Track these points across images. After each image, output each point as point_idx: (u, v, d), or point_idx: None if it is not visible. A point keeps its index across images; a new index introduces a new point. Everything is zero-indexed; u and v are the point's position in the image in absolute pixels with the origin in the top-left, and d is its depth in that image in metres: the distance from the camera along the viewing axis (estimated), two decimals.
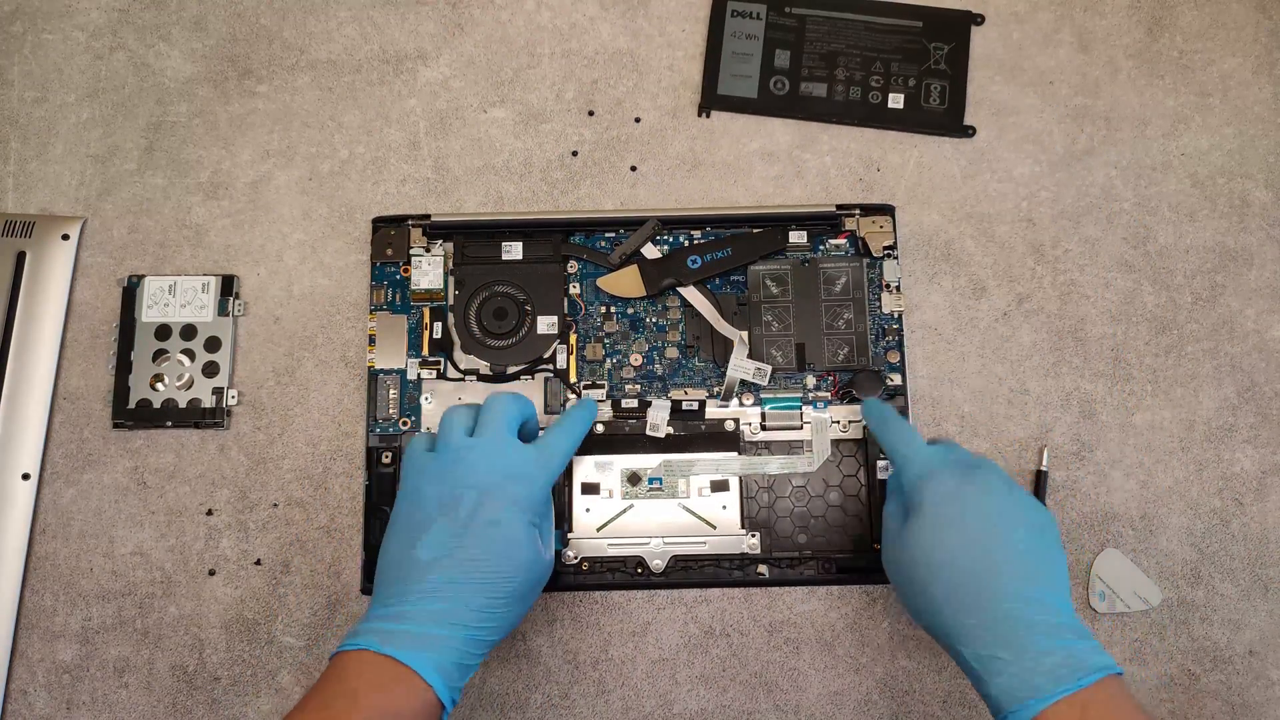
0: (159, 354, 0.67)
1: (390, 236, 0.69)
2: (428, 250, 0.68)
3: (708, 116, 0.72)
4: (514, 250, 0.68)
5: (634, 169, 0.71)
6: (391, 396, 0.67)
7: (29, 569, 0.65)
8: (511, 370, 0.67)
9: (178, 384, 0.67)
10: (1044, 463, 0.66)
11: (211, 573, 0.66)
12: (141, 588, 0.65)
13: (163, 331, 0.68)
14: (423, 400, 0.67)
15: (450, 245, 0.68)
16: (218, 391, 0.67)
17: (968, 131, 0.71)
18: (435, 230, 0.68)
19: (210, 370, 0.67)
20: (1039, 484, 0.66)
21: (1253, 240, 0.70)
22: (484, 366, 0.67)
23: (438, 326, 0.67)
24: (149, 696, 0.64)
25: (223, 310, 0.68)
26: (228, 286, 0.69)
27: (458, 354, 0.67)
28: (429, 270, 0.67)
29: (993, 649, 0.50)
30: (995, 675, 0.50)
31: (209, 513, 0.66)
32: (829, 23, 0.73)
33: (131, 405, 0.66)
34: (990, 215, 0.70)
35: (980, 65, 0.73)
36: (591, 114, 0.72)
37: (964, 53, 0.72)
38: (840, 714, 0.64)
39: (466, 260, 0.68)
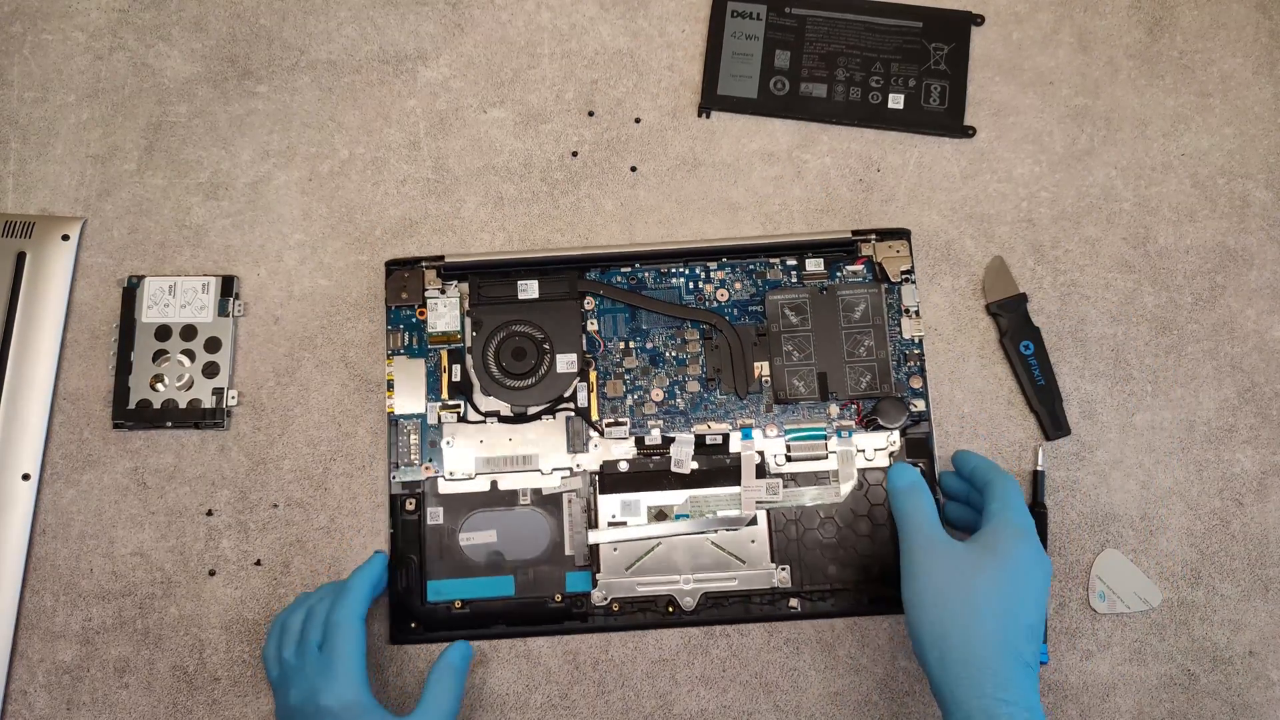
0: (159, 354, 0.67)
1: (404, 279, 0.68)
2: (443, 292, 0.67)
3: (708, 117, 0.72)
4: (530, 289, 0.67)
5: (634, 169, 0.71)
6: (413, 442, 0.66)
7: (29, 569, 0.65)
8: (533, 410, 0.66)
9: (178, 384, 0.67)
10: (1039, 462, 0.66)
11: (212, 573, 0.66)
12: (142, 588, 0.65)
13: (163, 332, 0.68)
14: (444, 444, 0.66)
15: (465, 285, 0.68)
16: (218, 392, 0.67)
17: (968, 132, 0.71)
18: (449, 271, 0.68)
19: (210, 371, 0.67)
20: (1036, 484, 0.66)
21: (1253, 240, 0.70)
22: (505, 407, 0.66)
23: (456, 369, 0.67)
24: (149, 697, 0.64)
25: (223, 311, 0.68)
26: (228, 287, 0.69)
27: (478, 396, 0.66)
28: (445, 312, 0.66)
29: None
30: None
31: (209, 513, 0.66)
32: (829, 23, 0.73)
33: (131, 406, 0.66)
34: (990, 215, 0.70)
35: (980, 65, 0.73)
36: (591, 114, 0.72)
37: (964, 53, 0.72)
38: (840, 714, 0.64)
39: (482, 300, 0.67)
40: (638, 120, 0.72)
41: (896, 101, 0.72)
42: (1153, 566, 0.65)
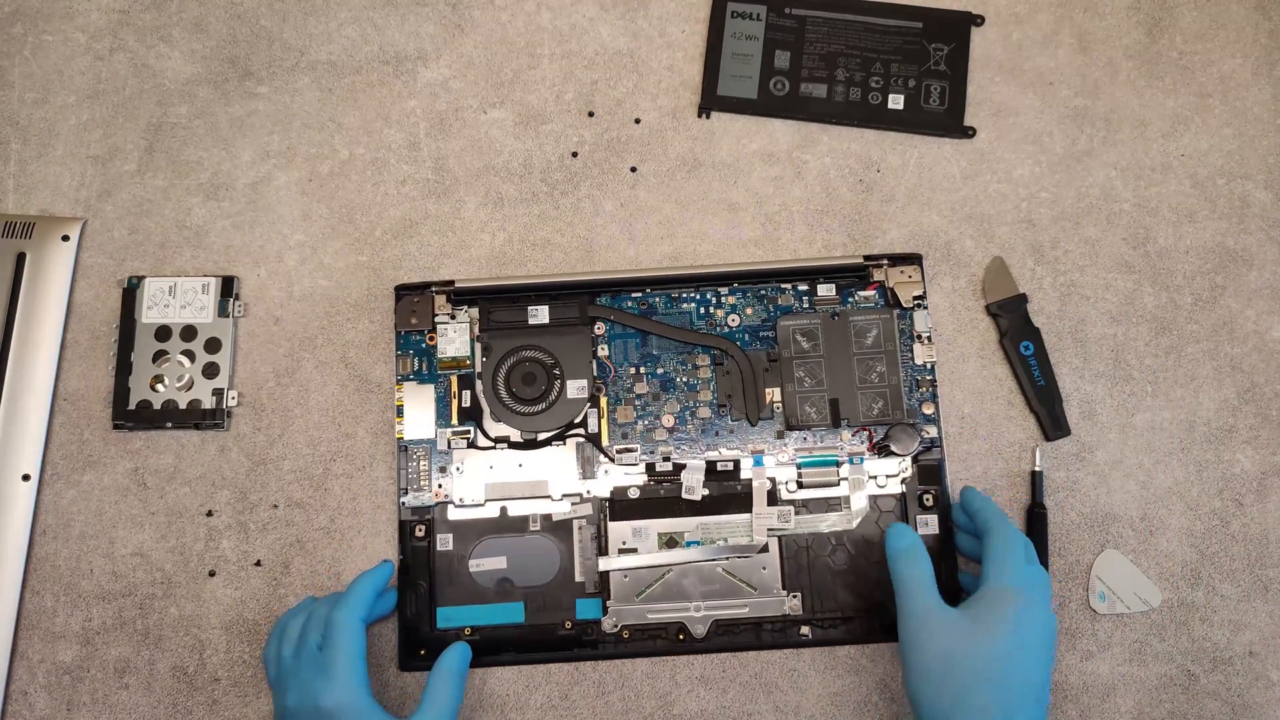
0: (159, 355, 0.67)
1: (414, 304, 0.67)
2: (452, 317, 0.67)
3: (708, 117, 0.72)
4: (540, 314, 0.67)
5: (634, 170, 0.71)
6: (423, 468, 0.66)
7: (29, 570, 0.65)
8: (543, 436, 0.66)
9: (178, 385, 0.67)
10: (1037, 463, 0.66)
11: (212, 574, 0.66)
12: (142, 589, 0.65)
13: (163, 332, 0.68)
14: (454, 470, 0.66)
15: (475, 310, 0.67)
16: (218, 392, 0.67)
17: (968, 132, 0.71)
18: (459, 296, 0.67)
19: (210, 371, 0.67)
20: (1035, 484, 0.66)
21: (1253, 241, 0.70)
22: (515, 433, 0.66)
23: (466, 395, 0.66)
24: (149, 697, 0.64)
25: (223, 311, 0.68)
26: (228, 287, 0.69)
27: (488, 422, 0.66)
28: (455, 338, 0.66)
29: None
30: None
31: (209, 514, 0.66)
32: (829, 23, 0.73)
33: (132, 406, 0.66)
34: (990, 216, 0.70)
35: (980, 66, 0.73)
36: (591, 115, 0.72)
37: (964, 53, 0.72)
38: (840, 714, 0.64)
39: (492, 325, 0.67)
40: (638, 121, 0.72)
41: (896, 102, 0.72)
42: (1153, 567, 0.65)
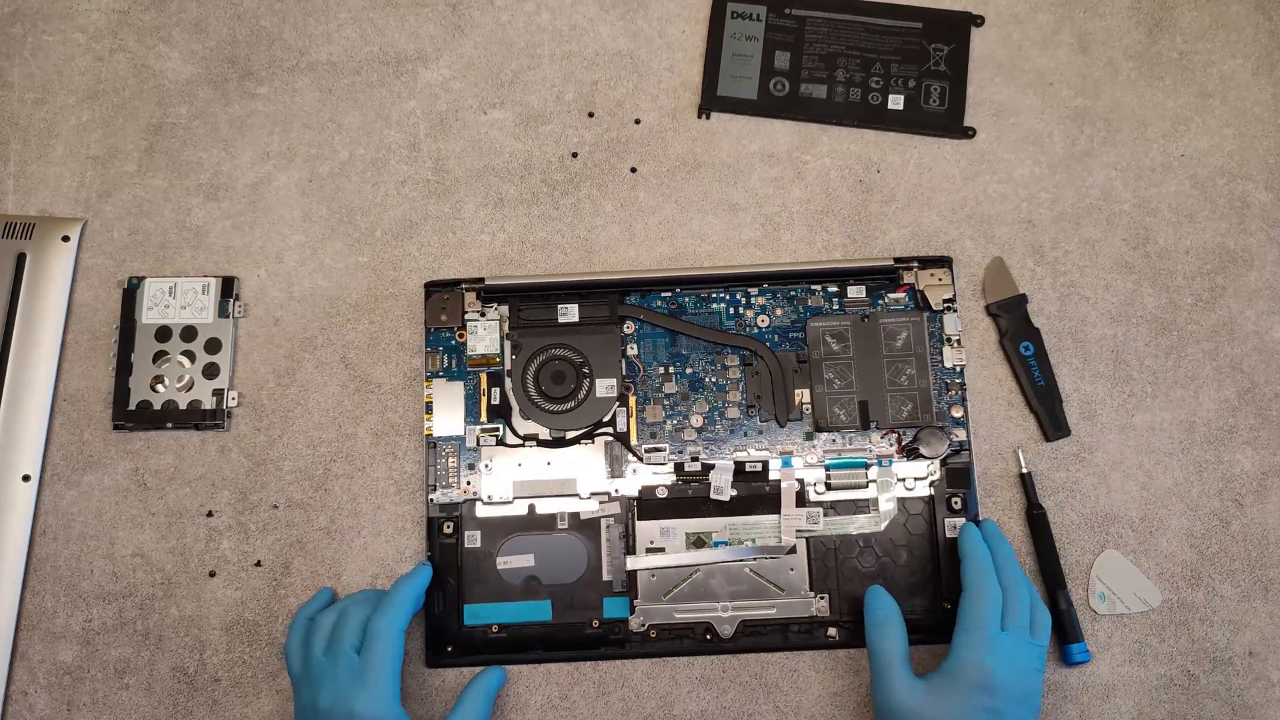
0: (159, 355, 0.67)
1: (444, 301, 0.68)
2: (482, 314, 0.67)
3: (707, 118, 0.72)
4: (570, 312, 0.67)
5: (634, 170, 0.71)
6: (451, 465, 0.66)
7: (30, 570, 0.65)
8: (571, 435, 0.66)
9: (178, 385, 0.67)
10: (1022, 465, 0.66)
11: (212, 574, 0.66)
12: (142, 589, 0.65)
13: (163, 333, 0.68)
14: (482, 467, 0.66)
15: (505, 308, 0.67)
16: (218, 393, 0.67)
17: (968, 133, 0.71)
18: (489, 293, 0.68)
19: (210, 372, 0.67)
20: (1026, 486, 0.66)
21: (1253, 241, 0.70)
22: (544, 431, 0.66)
23: (495, 392, 0.67)
24: (150, 698, 0.64)
25: (223, 312, 0.68)
26: (228, 288, 0.69)
27: (516, 419, 0.66)
28: (484, 335, 0.66)
29: None
30: None
31: (209, 514, 0.66)
32: (829, 24, 0.73)
33: (132, 407, 0.67)
34: (990, 216, 0.70)
35: (980, 66, 0.73)
36: (591, 115, 0.72)
37: (964, 54, 0.72)
38: (840, 715, 0.64)
39: (522, 323, 0.67)
40: (638, 121, 0.72)
41: (896, 102, 0.72)
42: (1153, 567, 0.65)
